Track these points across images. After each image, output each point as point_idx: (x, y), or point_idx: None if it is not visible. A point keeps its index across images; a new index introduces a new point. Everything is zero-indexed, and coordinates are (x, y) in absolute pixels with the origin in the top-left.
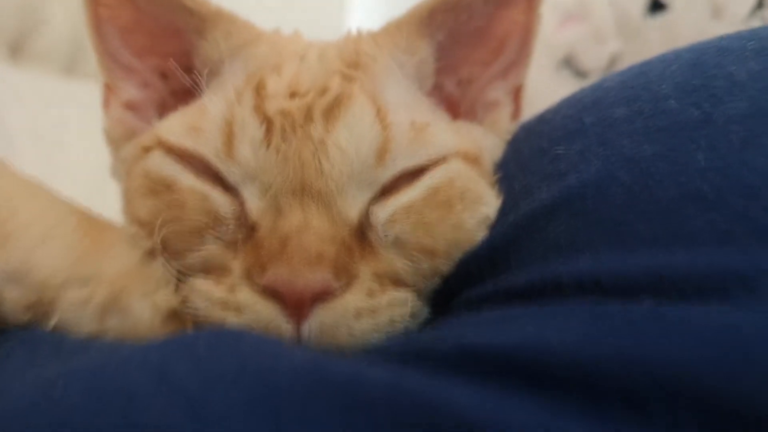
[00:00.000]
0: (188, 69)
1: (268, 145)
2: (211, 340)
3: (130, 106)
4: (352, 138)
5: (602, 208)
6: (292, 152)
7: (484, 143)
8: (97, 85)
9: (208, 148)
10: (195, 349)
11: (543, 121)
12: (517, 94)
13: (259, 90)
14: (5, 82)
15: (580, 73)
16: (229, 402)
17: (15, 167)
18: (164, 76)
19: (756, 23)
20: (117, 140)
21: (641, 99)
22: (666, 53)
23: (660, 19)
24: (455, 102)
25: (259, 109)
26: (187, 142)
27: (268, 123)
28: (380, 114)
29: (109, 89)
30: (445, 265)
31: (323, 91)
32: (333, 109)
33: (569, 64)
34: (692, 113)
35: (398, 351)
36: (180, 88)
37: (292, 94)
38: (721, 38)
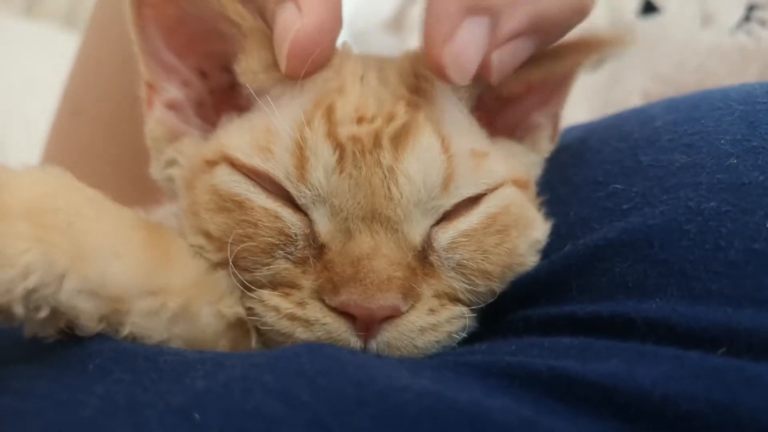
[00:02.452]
0: (227, 69)
1: (341, 171)
2: (313, 360)
3: (172, 106)
4: (420, 168)
5: (670, 258)
6: (363, 178)
7: (528, 162)
8: None
9: (279, 169)
10: (304, 371)
11: (590, 149)
12: (555, 118)
13: (330, 115)
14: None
15: None
16: (363, 427)
17: (79, 181)
18: (203, 74)
19: (742, 35)
20: (159, 141)
21: (702, 151)
22: (710, 94)
23: (652, 21)
24: (490, 116)
25: (331, 135)
26: (257, 162)
27: (340, 149)
28: (444, 144)
29: (151, 89)
30: (498, 286)
31: (390, 117)
32: (401, 138)
33: None
34: (756, 177)
35: (483, 364)
36: (218, 86)
37: (360, 119)
38: (766, 89)
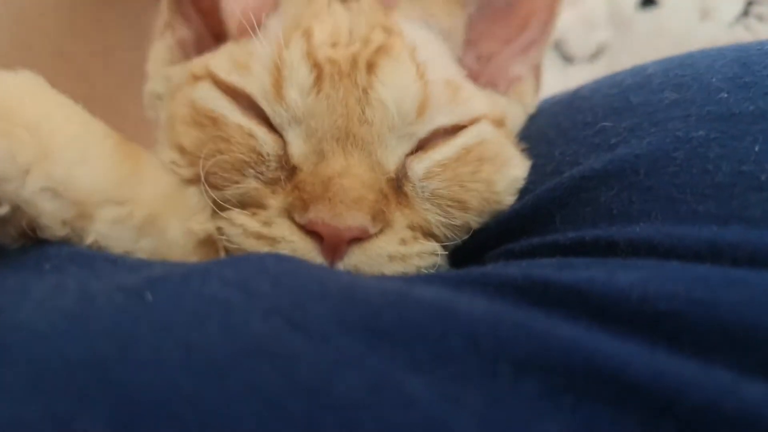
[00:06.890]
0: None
1: (318, 92)
2: (277, 262)
3: (181, 44)
4: (394, 92)
5: (657, 184)
6: (339, 100)
7: (508, 111)
8: None
9: (256, 87)
10: (266, 269)
11: (580, 97)
12: (536, 70)
13: (308, 37)
14: None
15: (566, 58)
16: (323, 317)
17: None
18: (205, 16)
19: (740, 29)
20: (160, 62)
21: (692, 88)
22: (703, 50)
23: (650, 14)
24: (473, 76)
25: (309, 55)
26: (235, 79)
27: (318, 69)
28: (419, 70)
29: (167, 26)
30: (474, 221)
31: (366, 41)
32: (376, 60)
33: (558, 47)
34: (747, 107)
35: (456, 276)
36: (220, 32)
37: (334, 44)
38: (761, 42)
